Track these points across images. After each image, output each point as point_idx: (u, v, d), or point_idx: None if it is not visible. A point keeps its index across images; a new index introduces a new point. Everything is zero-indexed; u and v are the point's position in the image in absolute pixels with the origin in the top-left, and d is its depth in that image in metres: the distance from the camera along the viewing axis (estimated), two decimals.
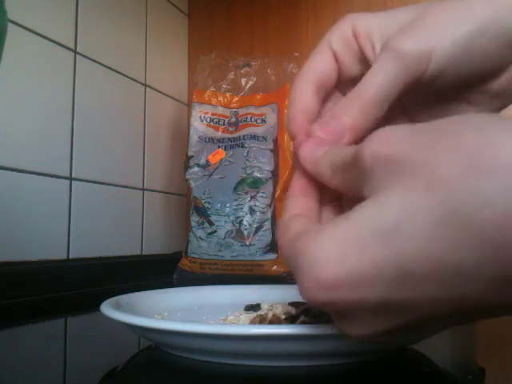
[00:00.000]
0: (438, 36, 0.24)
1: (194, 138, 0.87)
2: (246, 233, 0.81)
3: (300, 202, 0.24)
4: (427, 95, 0.27)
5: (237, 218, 0.81)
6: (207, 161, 0.85)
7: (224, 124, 0.88)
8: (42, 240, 0.66)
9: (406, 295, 0.18)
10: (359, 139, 0.23)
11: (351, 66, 0.27)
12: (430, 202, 0.16)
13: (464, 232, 0.16)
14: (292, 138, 0.26)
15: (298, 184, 0.25)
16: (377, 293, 0.18)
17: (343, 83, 0.28)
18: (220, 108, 0.89)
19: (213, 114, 0.89)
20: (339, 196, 0.25)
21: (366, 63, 0.26)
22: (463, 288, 0.17)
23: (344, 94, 0.28)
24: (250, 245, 0.80)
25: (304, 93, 0.26)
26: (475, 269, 0.16)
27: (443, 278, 0.17)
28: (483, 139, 0.16)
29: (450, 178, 0.16)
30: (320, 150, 0.23)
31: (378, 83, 0.24)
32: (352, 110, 0.24)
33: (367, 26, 0.26)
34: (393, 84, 0.24)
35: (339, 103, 0.25)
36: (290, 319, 0.34)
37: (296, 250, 0.20)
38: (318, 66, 0.27)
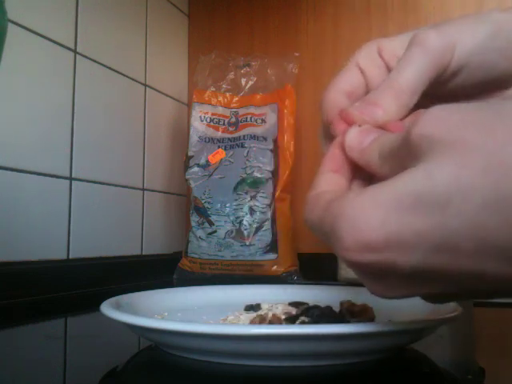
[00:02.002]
0: (459, 33, 0.25)
1: (194, 137, 0.87)
2: (245, 233, 0.81)
3: (332, 178, 0.24)
4: (444, 99, 0.27)
5: (237, 218, 0.81)
6: (207, 161, 0.85)
7: (224, 124, 0.88)
8: (42, 240, 0.66)
9: (444, 266, 0.18)
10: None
11: (378, 79, 0.28)
12: (485, 182, 0.16)
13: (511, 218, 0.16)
14: (328, 122, 0.26)
15: (332, 161, 0.25)
16: (414, 260, 0.18)
17: None
18: (220, 108, 0.89)
19: (213, 114, 0.89)
20: (370, 177, 0.25)
21: None
22: (505, 268, 0.17)
23: None
24: (250, 245, 0.80)
25: (336, 96, 0.27)
26: None
27: (485, 256, 0.17)
28: None
29: (510, 163, 0.16)
30: (366, 140, 0.24)
31: (408, 74, 0.25)
32: (386, 96, 0.25)
33: (392, 45, 0.28)
34: (421, 75, 0.25)
35: (373, 91, 0.26)
36: (290, 319, 0.34)
37: (332, 214, 0.20)
38: (347, 78, 0.28)
